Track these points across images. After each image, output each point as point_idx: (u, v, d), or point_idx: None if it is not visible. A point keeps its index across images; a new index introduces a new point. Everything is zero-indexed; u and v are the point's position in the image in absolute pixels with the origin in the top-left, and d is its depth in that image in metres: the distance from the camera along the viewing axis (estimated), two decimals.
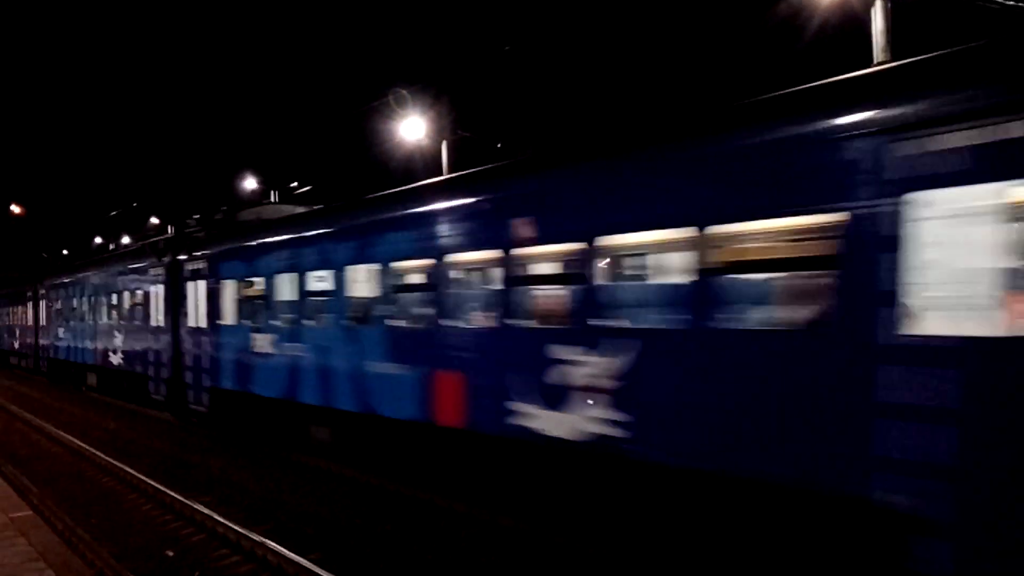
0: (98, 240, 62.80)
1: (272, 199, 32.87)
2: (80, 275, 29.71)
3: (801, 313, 7.37)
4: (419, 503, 12.10)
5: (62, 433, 19.26)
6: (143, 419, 22.13)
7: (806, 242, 7.22)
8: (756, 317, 7.84)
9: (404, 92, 22.80)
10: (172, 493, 12.58)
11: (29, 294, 38.53)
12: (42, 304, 35.81)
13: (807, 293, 7.32)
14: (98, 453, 16.38)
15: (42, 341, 36.01)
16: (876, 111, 6.72)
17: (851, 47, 15.64)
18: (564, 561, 9.30)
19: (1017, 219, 5.93)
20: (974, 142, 6.06)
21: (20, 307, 40.89)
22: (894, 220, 6.51)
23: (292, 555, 9.28)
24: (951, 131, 6.19)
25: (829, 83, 7.44)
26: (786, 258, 7.55)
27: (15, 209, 64.17)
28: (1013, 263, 5.96)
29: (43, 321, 35.65)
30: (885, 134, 6.60)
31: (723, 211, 7.76)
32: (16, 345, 42.40)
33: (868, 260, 6.65)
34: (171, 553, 10.16)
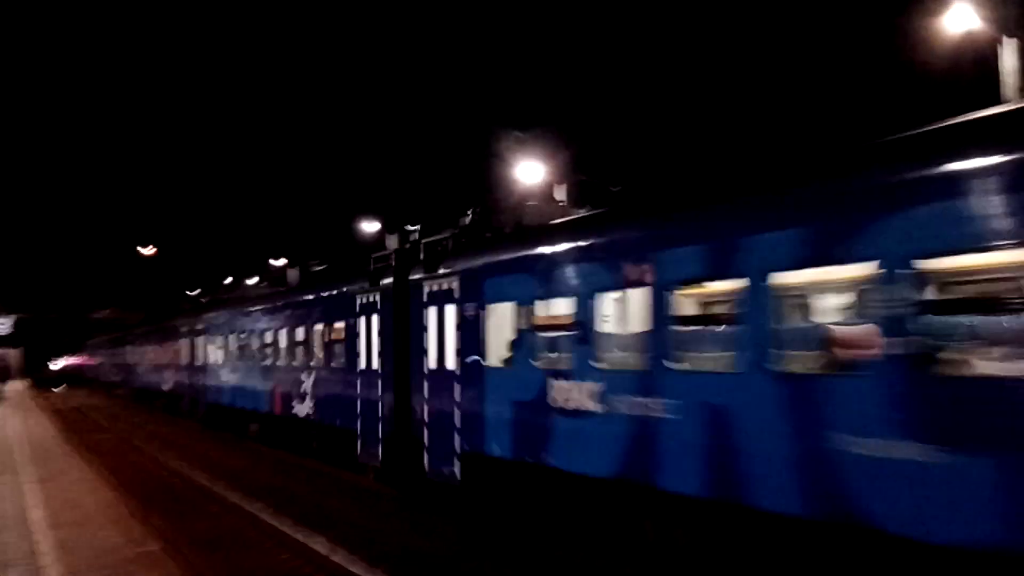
0: (228, 280, 67.93)
1: (388, 242, 36.21)
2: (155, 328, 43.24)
3: (345, 359, 18.52)
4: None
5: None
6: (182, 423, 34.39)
7: (345, 331, 18.46)
8: (338, 361, 19.03)
9: (520, 135, 23.43)
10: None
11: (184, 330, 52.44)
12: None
13: (346, 352, 18.47)
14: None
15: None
16: (345, 288, 18.11)
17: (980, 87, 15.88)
18: None
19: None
20: (362, 300, 17.27)
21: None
22: (357, 325, 17.65)
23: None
24: (358, 295, 17.42)
25: (352, 270, 18.78)
26: (339, 337, 18.76)
27: (146, 251, 72.38)
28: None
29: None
30: (355, 294, 17.83)
31: (326, 319, 19.10)
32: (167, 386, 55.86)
33: (353, 340, 17.81)
34: None
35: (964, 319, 6.70)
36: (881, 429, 6.82)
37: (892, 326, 6.77)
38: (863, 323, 7.33)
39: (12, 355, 70.38)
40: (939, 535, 6.44)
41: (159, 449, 24.62)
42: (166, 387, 38.05)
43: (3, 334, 78.89)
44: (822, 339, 7.98)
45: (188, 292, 74.40)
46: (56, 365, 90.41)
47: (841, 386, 7.32)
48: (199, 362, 31.57)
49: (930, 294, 6.74)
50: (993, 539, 6.12)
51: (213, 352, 29.47)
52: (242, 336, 25.92)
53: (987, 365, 6.45)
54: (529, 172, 23.19)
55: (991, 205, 6.22)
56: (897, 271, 6.73)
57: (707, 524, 9.00)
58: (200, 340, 31.36)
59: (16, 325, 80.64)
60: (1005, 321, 6.42)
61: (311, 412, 20.21)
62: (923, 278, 6.68)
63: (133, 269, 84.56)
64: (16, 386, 57.56)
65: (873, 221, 7.02)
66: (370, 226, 39.70)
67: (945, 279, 6.93)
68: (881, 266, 6.88)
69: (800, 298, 8.84)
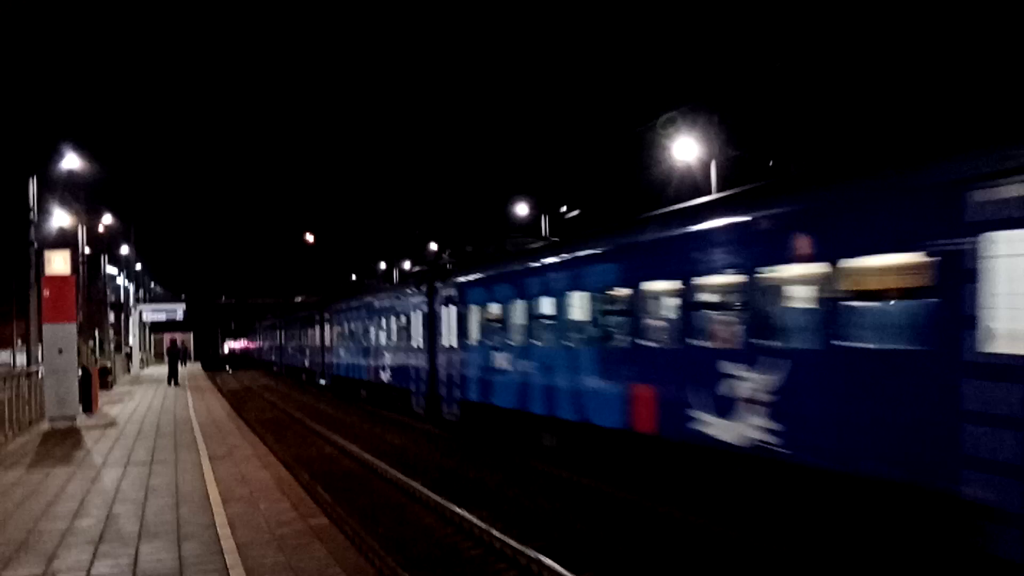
0: (382, 265, 68.98)
1: (543, 224, 39.83)
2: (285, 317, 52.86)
3: (404, 342, 26.04)
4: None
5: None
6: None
7: (404, 321, 26.04)
8: (401, 343, 26.59)
9: (674, 114, 23.88)
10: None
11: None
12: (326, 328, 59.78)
13: (405, 337, 25.98)
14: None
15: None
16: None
17: None
18: None
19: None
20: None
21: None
22: (410, 317, 25.19)
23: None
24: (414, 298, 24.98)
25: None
26: (402, 326, 26.32)
27: (308, 238, 76.55)
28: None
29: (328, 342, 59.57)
30: (408, 295, 25.40)
31: (395, 312, 26.79)
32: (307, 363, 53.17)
33: (408, 328, 25.38)
34: None
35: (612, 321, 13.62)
36: (593, 372, 13.77)
37: (594, 322, 13.78)
38: (588, 321, 14.28)
39: (185, 339, 75.88)
40: (607, 423, 13.36)
41: (312, 420, 27.47)
42: (307, 364, 47.37)
43: (177, 319, 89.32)
44: (574, 328, 14.98)
45: (353, 276, 77.68)
46: (223, 348, 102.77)
47: (585, 353, 14.29)
48: (326, 343, 40.43)
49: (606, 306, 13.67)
50: (624, 424, 12.94)
51: (333, 335, 38.12)
52: (349, 323, 34.24)
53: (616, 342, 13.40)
54: (684, 149, 24.16)
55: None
56: (595, 294, 13.69)
57: (560, 433, 15.95)
58: (325, 326, 40.18)
59: (187, 311, 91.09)
60: (619, 324, 13.31)
61: (390, 379, 28.02)
62: (605, 297, 13.58)
63: (297, 256, 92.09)
64: (189, 368, 63.96)
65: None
66: (521, 209, 42.79)
67: (611, 299, 13.78)
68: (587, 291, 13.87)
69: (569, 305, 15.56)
